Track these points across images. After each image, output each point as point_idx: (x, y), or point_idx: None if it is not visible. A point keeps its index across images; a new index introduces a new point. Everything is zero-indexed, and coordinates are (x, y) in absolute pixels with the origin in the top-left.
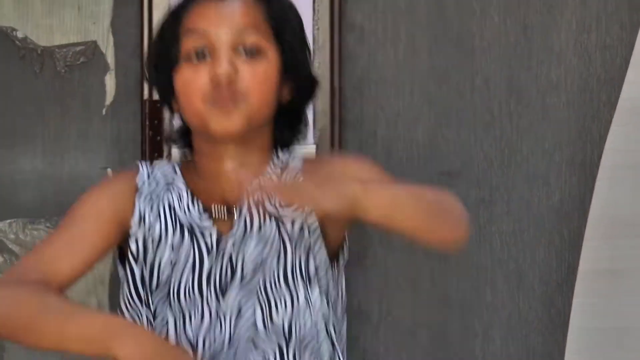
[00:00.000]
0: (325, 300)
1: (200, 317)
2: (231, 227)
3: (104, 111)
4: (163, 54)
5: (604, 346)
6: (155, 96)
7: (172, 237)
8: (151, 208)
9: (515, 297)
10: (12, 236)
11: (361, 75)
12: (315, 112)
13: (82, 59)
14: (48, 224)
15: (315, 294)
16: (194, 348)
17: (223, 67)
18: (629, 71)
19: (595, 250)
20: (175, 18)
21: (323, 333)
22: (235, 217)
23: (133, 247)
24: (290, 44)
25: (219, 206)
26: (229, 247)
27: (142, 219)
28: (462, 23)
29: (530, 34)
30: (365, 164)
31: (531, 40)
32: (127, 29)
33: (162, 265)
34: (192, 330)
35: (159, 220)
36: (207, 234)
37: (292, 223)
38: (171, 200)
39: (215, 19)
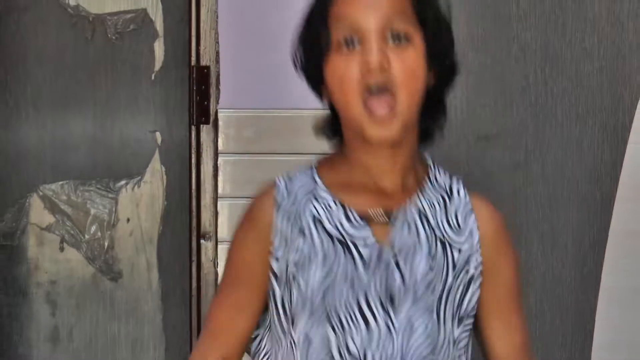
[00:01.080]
0: (463, 335)
1: (366, 331)
2: (391, 235)
3: (152, 77)
4: (312, 41)
5: (634, 304)
6: (203, 62)
7: (321, 253)
8: (292, 225)
9: (549, 257)
10: (64, 197)
11: None
12: None
13: (132, 26)
14: (99, 185)
15: (464, 325)
16: None
17: (374, 55)
18: None
19: (626, 212)
20: (323, 4)
21: None
22: (394, 223)
23: (275, 267)
24: (435, 29)
25: (377, 210)
26: (391, 255)
27: (283, 238)
28: None
29: (565, 2)
30: (511, 252)
31: (566, 9)
32: None
33: (313, 286)
34: (356, 346)
35: (303, 236)
36: (362, 243)
37: (460, 251)
38: (315, 212)
39: (364, 4)
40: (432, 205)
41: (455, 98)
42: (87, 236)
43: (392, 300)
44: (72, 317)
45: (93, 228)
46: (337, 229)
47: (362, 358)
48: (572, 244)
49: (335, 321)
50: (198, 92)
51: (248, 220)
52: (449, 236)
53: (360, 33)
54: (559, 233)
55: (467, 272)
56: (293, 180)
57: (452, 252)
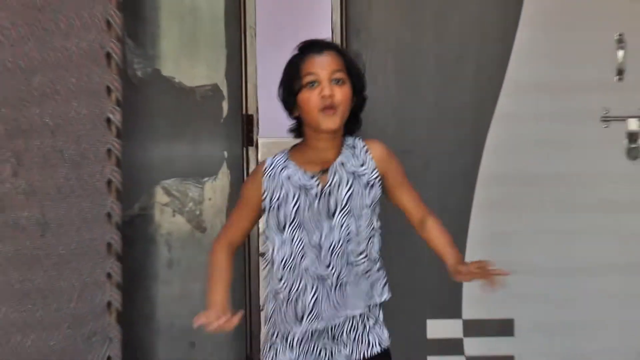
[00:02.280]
0: (373, 221)
1: (320, 232)
2: (326, 181)
3: (222, 120)
4: (290, 84)
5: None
6: (250, 112)
7: (292, 195)
8: (273, 184)
9: (442, 197)
10: (174, 187)
11: None
12: None
13: (210, 93)
14: (193, 180)
15: (372, 216)
16: (320, 248)
17: (326, 91)
18: (502, 95)
19: (483, 188)
20: (296, 65)
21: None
22: (328, 175)
23: (265, 204)
24: (356, 78)
25: (318, 171)
26: (327, 192)
27: (268, 192)
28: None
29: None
30: (392, 155)
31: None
32: (233, 76)
33: (291, 211)
34: (317, 239)
35: (279, 190)
36: (313, 188)
37: (364, 178)
38: (289, 174)
39: (320, 65)
40: (347, 157)
41: (391, 125)
42: (187, 208)
43: (331, 213)
44: (179, 253)
45: (190, 204)
46: (299, 181)
47: (319, 245)
48: (462, 188)
49: (304, 228)
50: (246, 131)
51: (250, 179)
52: (360, 174)
53: (319, 80)
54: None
55: (371, 185)
56: (275, 158)
57: (360, 178)
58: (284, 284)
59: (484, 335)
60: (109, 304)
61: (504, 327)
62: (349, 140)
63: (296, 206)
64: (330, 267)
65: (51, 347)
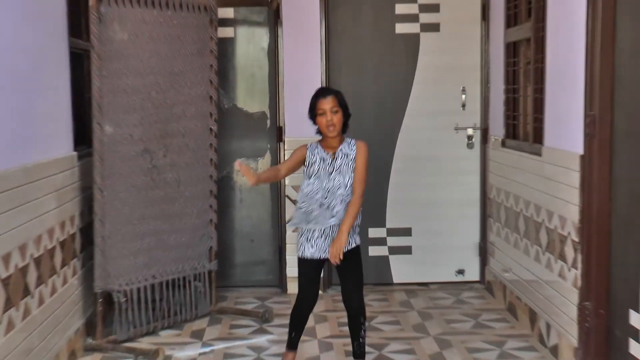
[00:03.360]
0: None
1: (326, 181)
2: (334, 158)
3: (266, 129)
4: (312, 113)
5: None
6: (280, 124)
7: (317, 161)
8: (312, 155)
9: (377, 165)
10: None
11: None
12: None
13: (261, 115)
14: (251, 160)
15: (352, 178)
16: (325, 189)
17: (328, 117)
18: (405, 117)
19: (397, 160)
20: (314, 104)
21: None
22: (335, 155)
23: (306, 163)
24: (344, 108)
25: (331, 152)
26: (335, 162)
27: (309, 158)
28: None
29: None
30: (365, 152)
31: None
32: (272, 107)
33: (315, 169)
34: (325, 184)
35: (314, 157)
36: (326, 159)
37: (350, 157)
38: (318, 151)
39: (326, 103)
40: (344, 147)
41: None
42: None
43: (332, 173)
44: (245, 195)
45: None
46: (321, 156)
47: (324, 188)
48: (382, 171)
49: (320, 178)
50: (278, 134)
51: (300, 149)
52: (349, 154)
53: (325, 112)
54: (376, 167)
55: (352, 160)
56: (312, 144)
57: (348, 157)
58: (304, 203)
59: (397, 235)
60: (210, 220)
61: (406, 231)
62: (348, 139)
63: (318, 167)
64: (326, 198)
65: (182, 242)
